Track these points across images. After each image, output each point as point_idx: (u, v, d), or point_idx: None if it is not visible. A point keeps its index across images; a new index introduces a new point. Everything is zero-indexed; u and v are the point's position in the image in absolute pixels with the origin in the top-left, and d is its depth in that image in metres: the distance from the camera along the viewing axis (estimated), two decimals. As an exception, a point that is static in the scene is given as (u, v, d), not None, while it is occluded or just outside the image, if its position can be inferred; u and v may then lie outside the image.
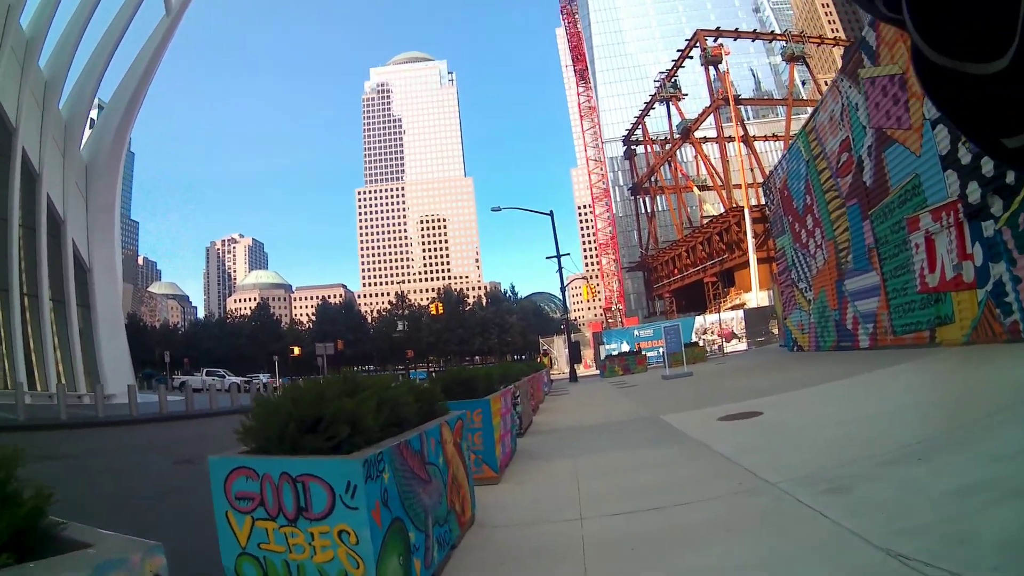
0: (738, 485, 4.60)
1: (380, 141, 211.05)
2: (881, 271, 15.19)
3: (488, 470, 6.02)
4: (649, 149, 79.54)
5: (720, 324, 45.34)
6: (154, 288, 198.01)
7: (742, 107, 63.15)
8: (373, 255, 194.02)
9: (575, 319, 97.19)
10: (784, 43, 67.68)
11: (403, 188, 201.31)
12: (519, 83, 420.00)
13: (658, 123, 77.58)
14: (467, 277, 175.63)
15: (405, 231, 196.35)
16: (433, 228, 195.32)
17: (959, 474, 3.75)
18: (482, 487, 5.37)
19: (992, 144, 1.50)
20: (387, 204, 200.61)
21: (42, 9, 24.82)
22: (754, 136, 65.13)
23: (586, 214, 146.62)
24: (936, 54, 1.38)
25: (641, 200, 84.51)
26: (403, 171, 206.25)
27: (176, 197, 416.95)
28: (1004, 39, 1.25)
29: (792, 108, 62.98)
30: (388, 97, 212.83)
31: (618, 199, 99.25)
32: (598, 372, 36.24)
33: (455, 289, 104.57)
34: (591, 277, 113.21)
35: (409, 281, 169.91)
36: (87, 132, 30.18)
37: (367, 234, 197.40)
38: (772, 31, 78.01)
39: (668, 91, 70.78)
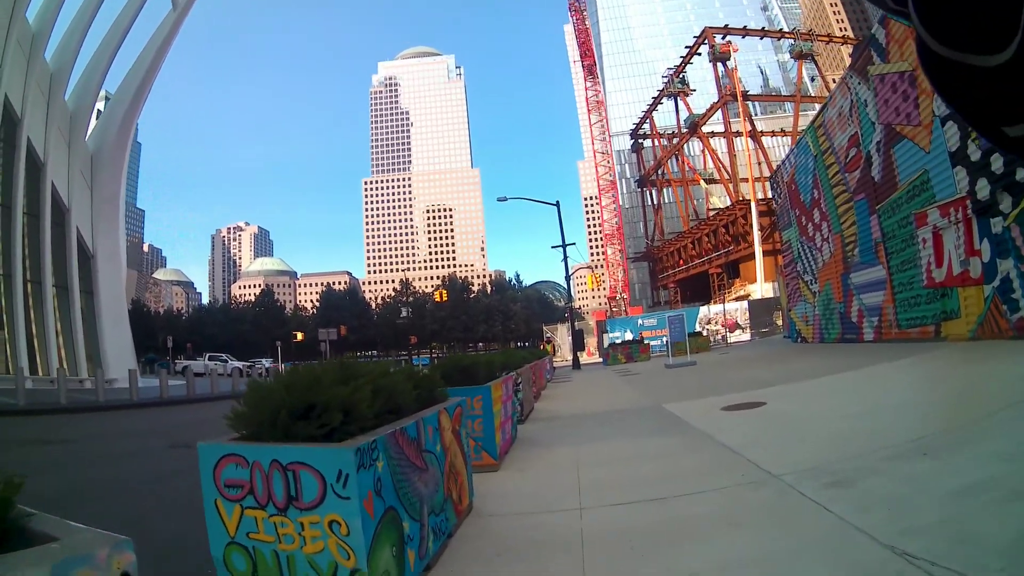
0: (741, 477, 4.54)
1: (388, 133, 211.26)
2: (888, 265, 15.08)
3: (488, 457, 5.97)
4: (656, 143, 79.41)
5: (724, 314, 45.27)
6: (159, 275, 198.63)
7: (750, 103, 62.92)
8: (378, 243, 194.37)
9: (579, 308, 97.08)
10: (792, 41, 67.50)
11: (410, 178, 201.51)
12: (527, 77, 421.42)
13: (666, 118, 77.55)
14: (472, 265, 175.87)
15: (411, 220, 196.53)
16: (439, 217, 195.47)
17: (965, 471, 3.67)
18: (481, 474, 5.34)
19: (995, 133, 1.52)
20: (393, 194, 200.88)
21: (48, 3, 24.98)
22: (761, 132, 65.01)
23: (592, 205, 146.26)
24: (940, 46, 1.40)
25: (648, 192, 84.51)
26: (410, 162, 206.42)
27: (183, 186, 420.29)
28: (1007, 32, 1.27)
29: (800, 104, 62.74)
30: (396, 90, 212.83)
31: (624, 191, 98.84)
32: (601, 360, 36.24)
33: (460, 277, 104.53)
34: (596, 267, 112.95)
35: (414, 269, 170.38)
36: (93, 122, 30.24)
37: (373, 223, 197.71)
38: (780, 29, 77.89)
39: (676, 87, 70.76)
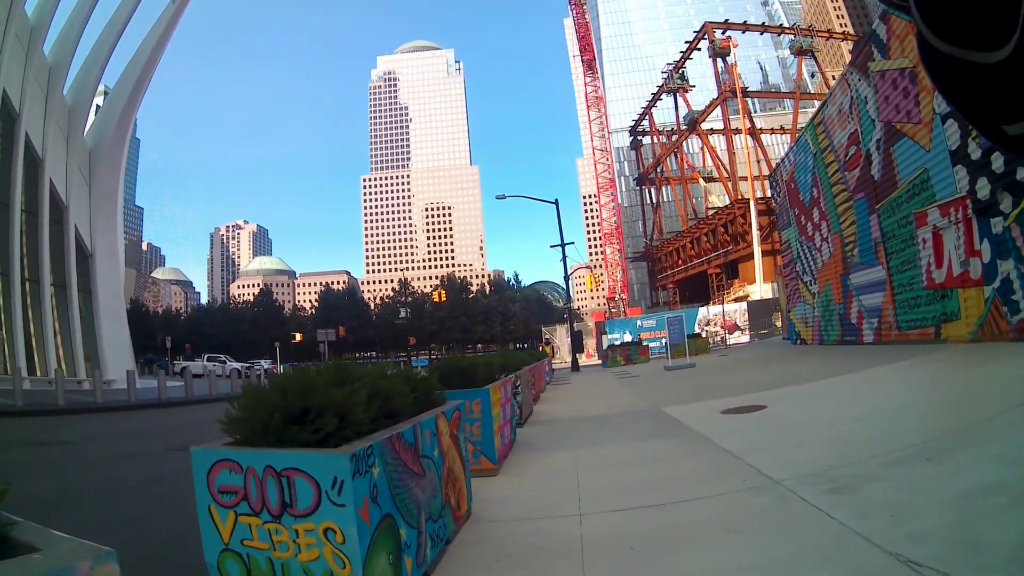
0: (741, 482, 4.51)
1: (386, 129, 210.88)
2: (887, 266, 15.03)
3: (486, 461, 5.92)
4: (655, 140, 79.40)
5: (723, 316, 45.20)
6: (158, 274, 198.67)
7: (749, 100, 62.90)
8: (377, 242, 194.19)
9: (578, 308, 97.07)
10: (792, 37, 67.53)
11: (408, 176, 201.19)
12: (526, 73, 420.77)
13: (665, 114, 77.49)
14: (471, 265, 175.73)
15: (410, 218, 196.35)
16: (438, 216, 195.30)
17: (968, 476, 3.64)
18: (480, 479, 5.30)
19: (995, 131, 1.54)
20: (392, 191, 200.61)
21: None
22: (761, 129, 65.00)
23: (591, 204, 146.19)
24: (941, 42, 1.42)
25: (646, 191, 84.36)
26: (409, 159, 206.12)
27: (181, 184, 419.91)
28: (1007, 28, 1.28)
29: (799, 101, 62.72)
30: (395, 85, 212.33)
31: (623, 189, 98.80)
32: (600, 362, 36.19)
33: (458, 277, 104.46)
34: (595, 267, 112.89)
35: (413, 268, 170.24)
36: (91, 118, 30.14)
37: (372, 221, 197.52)
38: (781, 24, 77.95)
39: (675, 82, 70.69)
